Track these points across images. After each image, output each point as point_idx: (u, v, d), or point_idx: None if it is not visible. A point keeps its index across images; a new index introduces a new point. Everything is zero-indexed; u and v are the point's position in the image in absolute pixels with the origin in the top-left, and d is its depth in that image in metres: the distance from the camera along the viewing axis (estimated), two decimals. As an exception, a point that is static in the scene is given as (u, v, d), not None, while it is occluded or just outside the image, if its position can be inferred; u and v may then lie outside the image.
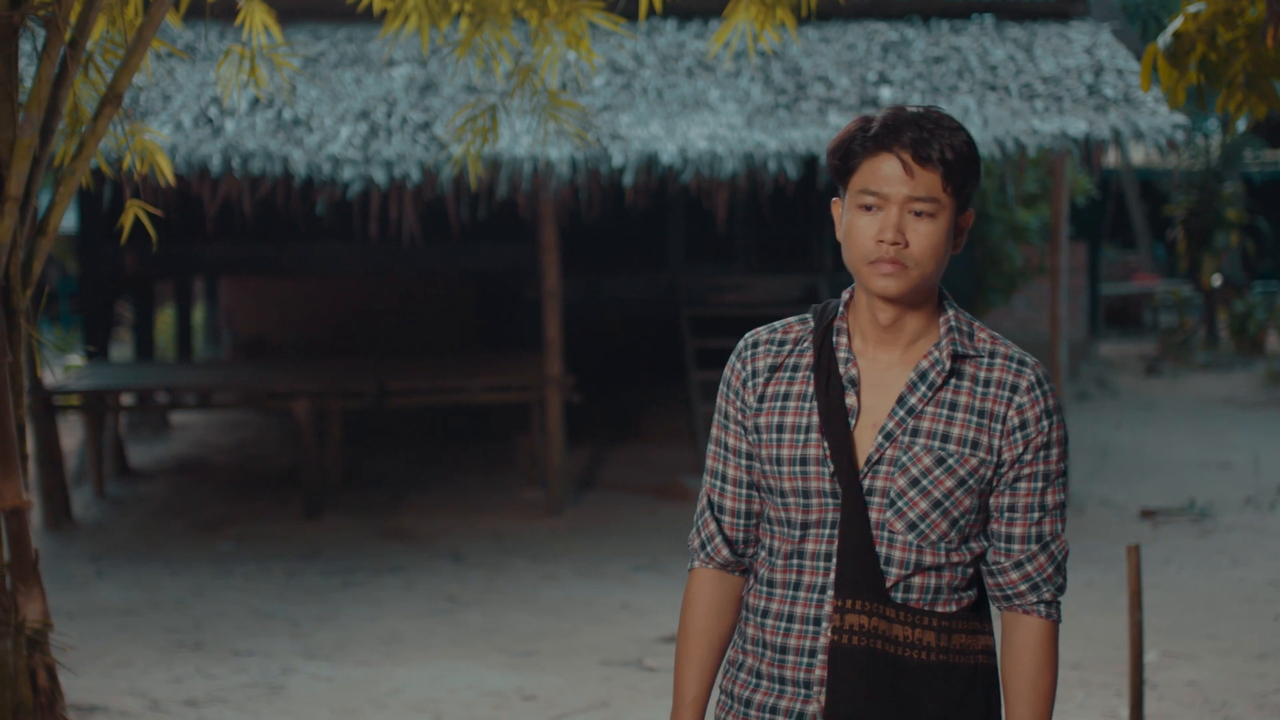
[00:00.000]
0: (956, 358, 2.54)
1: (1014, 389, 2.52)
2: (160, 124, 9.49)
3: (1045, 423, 2.52)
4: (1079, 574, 8.68)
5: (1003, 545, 2.55)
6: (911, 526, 2.51)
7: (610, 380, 13.62)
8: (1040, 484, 2.53)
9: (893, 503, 2.51)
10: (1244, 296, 20.33)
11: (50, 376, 11.03)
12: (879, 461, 2.51)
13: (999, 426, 2.51)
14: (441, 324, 16.39)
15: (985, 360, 2.54)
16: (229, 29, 10.30)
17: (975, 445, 2.50)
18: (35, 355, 4.26)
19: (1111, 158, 21.80)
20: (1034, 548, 2.54)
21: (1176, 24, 5.23)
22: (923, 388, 2.52)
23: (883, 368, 2.56)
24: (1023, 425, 2.51)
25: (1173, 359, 19.24)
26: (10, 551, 3.94)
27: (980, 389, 2.53)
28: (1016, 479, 2.53)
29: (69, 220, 17.74)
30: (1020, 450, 2.51)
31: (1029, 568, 2.55)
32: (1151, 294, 23.29)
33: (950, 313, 2.57)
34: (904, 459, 2.50)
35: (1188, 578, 8.62)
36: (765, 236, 13.26)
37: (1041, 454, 2.53)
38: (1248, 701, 6.33)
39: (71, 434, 13.01)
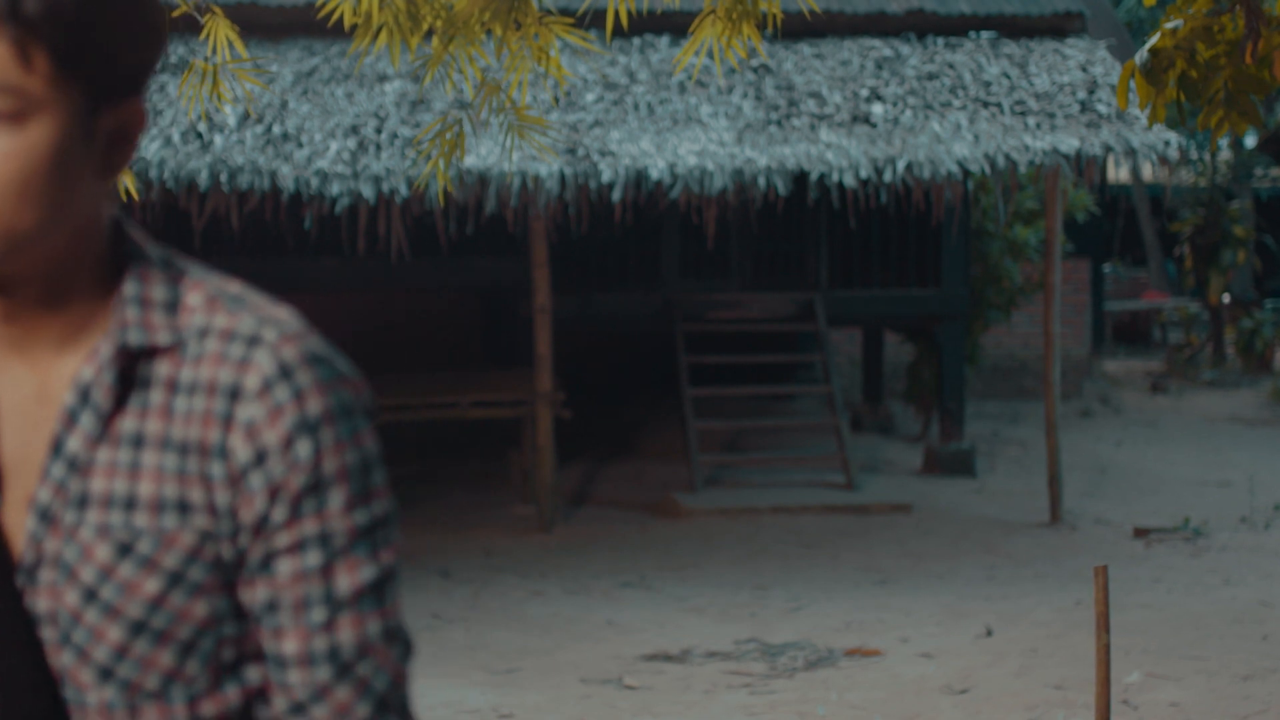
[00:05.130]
0: (132, 355, 1.32)
1: (234, 393, 1.30)
2: (149, 139, 9.49)
3: (305, 446, 1.29)
4: (1068, 593, 8.61)
5: (276, 674, 1.33)
6: (106, 674, 1.31)
7: (605, 396, 13.60)
8: (316, 558, 1.30)
9: (67, 637, 1.31)
10: (1252, 313, 20.25)
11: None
12: (39, 564, 1.31)
13: (219, 467, 1.30)
14: (444, 339, 16.36)
15: (192, 347, 1.32)
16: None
17: (184, 508, 1.30)
18: None
19: (1124, 173, 21.70)
20: (322, 676, 1.32)
21: (1154, 40, 5.19)
22: (87, 418, 1.32)
23: (32, 390, 1.34)
24: (259, 457, 1.29)
25: (1178, 376, 19.15)
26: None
27: (184, 401, 1.31)
28: (270, 555, 1.31)
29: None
30: (264, 505, 1.30)
31: (317, 713, 1.32)
32: (1160, 311, 23.21)
33: (135, 273, 1.34)
34: (69, 555, 1.30)
35: (1177, 597, 8.54)
36: (760, 253, 13.23)
37: (308, 505, 1.30)
38: (1229, 724, 6.27)
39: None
